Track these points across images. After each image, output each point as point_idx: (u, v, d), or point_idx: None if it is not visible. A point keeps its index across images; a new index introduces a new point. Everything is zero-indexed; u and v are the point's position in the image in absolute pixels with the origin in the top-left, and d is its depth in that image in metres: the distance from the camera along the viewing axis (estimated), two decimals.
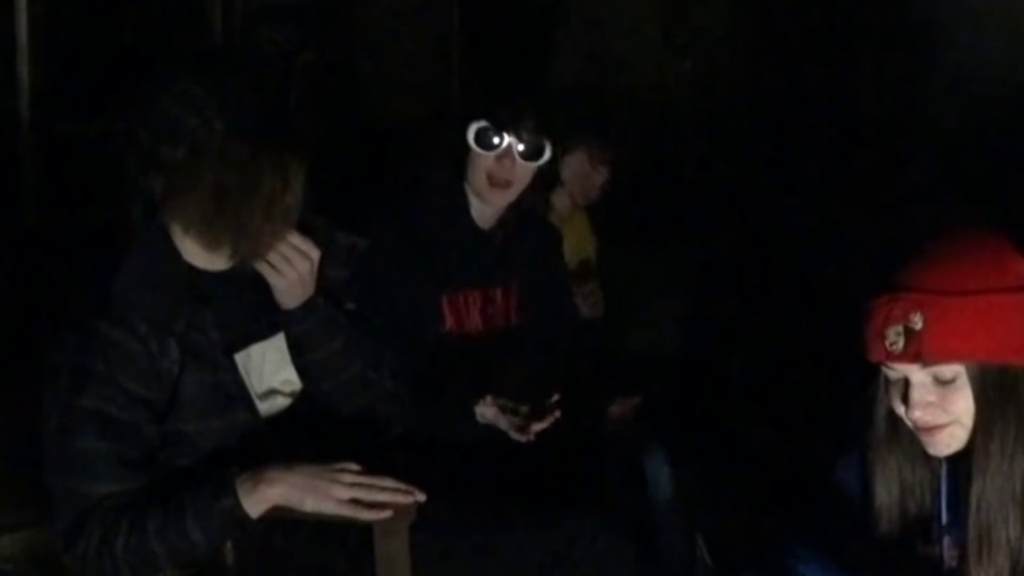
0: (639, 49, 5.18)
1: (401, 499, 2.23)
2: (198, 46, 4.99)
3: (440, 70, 5.39)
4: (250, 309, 2.40)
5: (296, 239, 2.32)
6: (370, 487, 2.24)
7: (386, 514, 2.22)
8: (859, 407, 2.05)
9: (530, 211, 3.00)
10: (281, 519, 2.29)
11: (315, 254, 2.33)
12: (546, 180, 2.97)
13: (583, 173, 3.79)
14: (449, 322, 2.88)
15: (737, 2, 5.03)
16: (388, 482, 2.25)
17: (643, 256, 4.64)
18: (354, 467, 2.26)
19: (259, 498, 2.21)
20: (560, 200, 3.74)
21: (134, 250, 2.28)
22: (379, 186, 4.42)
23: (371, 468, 2.28)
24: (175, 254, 2.31)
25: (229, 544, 2.32)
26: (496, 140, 2.83)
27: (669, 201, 5.22)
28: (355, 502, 2.22)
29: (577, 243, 3.83)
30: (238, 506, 2.19)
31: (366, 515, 2.23)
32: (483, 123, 2.83)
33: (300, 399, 2.46)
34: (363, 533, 2.31)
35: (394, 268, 2.81)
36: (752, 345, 4.62)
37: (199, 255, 2.33)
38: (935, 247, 1.92)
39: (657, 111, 5.11)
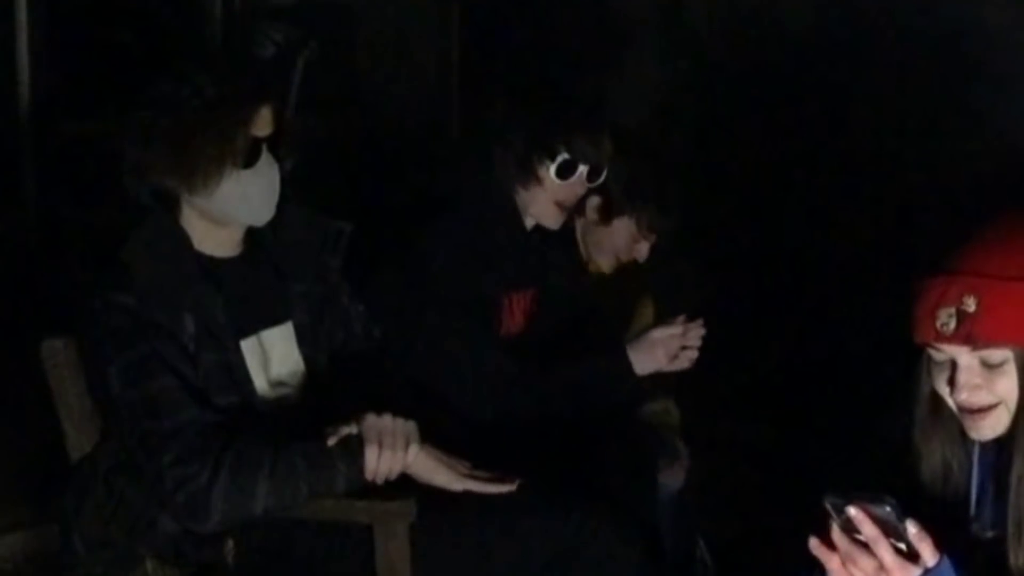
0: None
1: (501, 489, 2.36)
2: (198, 46, 5.00)
3: (441, 70, 5.39)
4: (260, 296, 2.42)
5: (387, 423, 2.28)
6: (481, 480, 2.36)
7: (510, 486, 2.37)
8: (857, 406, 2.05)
9: None
10: (282, 519, 2.29)
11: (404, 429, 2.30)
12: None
13: (629, 239, 3.13)
14: (505, 324, 2.87)
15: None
16: (490, 476, 2.38)
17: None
18: (466, 462, 2.38)
19: None
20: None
21: (141, 227, 2.31)
22: (379, 187, 4.43)
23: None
24: (182, 234, 2.34)
25: (230, 542, 2.33)
26: (575, 171, 2.80)
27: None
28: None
29: None
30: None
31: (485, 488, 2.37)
32: (566, 156, 2.78)
33: (306, 388, 2.47)
34: (363, 533, 2.32)
35: (457, 275, 2.75)
36: (753, 345, 4.62)
37: (208, 241, 2.36)
38: (991, 231, 1.91)
39: (657, 111, 5.11)
